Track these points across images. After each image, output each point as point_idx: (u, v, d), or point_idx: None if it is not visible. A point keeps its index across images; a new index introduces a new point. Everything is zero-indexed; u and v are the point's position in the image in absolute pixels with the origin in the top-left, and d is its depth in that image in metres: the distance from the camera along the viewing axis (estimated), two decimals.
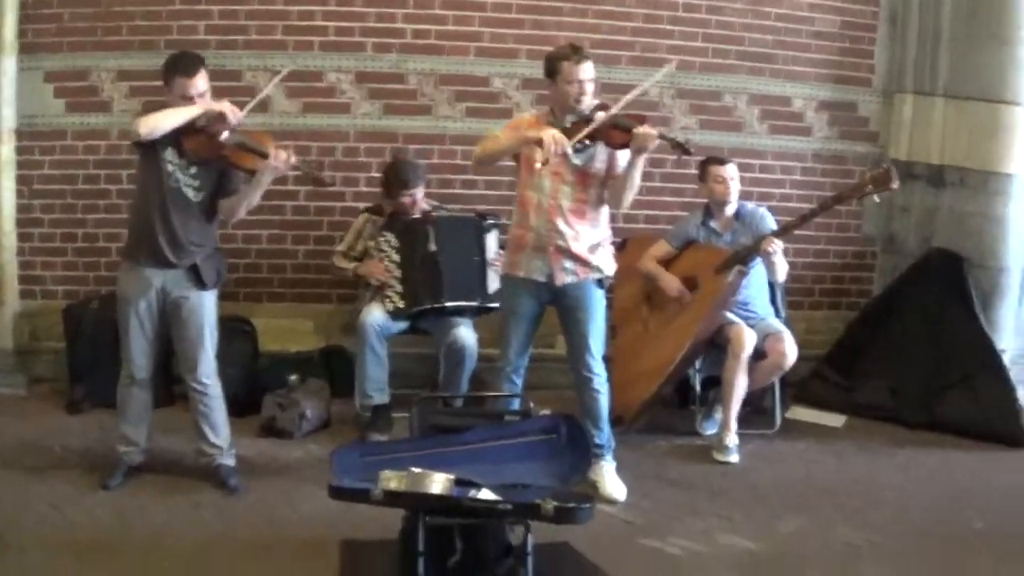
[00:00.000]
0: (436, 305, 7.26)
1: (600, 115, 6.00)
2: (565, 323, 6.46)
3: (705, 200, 7.47)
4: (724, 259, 7.13)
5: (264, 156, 6.05)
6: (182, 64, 6.03)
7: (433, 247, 7.27)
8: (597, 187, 6.24)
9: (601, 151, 6.19)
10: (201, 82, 5.99)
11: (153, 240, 6.05)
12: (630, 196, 6.21)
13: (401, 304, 7.24)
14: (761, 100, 8.53)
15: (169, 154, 6.00)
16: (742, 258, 7.08)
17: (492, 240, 7.39)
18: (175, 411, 6.98)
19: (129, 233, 6.30)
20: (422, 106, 8.16)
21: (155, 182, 6.03)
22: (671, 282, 7.29)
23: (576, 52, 6.10)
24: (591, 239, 6.28)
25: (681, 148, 6.06)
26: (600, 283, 6.39)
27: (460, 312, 7.34)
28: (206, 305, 6.27)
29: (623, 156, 6.16)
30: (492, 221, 7.46)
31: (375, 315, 7.18)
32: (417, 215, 7.41)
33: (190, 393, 6.30)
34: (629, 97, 6.07)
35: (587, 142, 6.07)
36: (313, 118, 8.02)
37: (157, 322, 6.21)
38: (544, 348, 6.75)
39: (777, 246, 6.95)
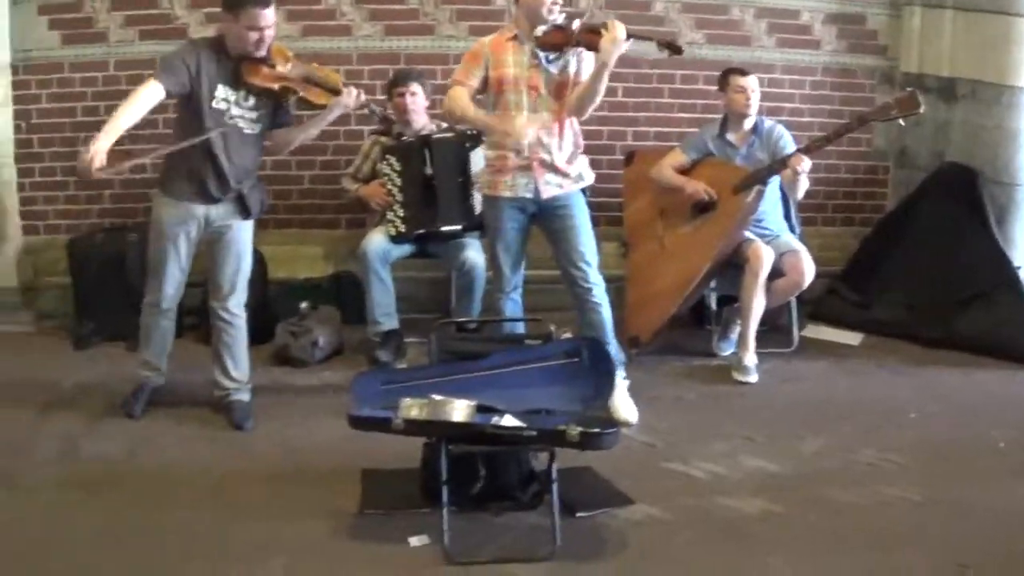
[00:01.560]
0: (431, 230, 7.21)
1: (577, 23, 5.92)
2: (554, 237, 6.37)
3: (721, 115, 7.37)
4: (743, 178, 7.02)
5: (336, 92, 5.99)
6: None
7: (429, 170, 7.19)
8: (569, 95, 6.13)
9: (573, 58, 6.09)
10: (271, 14, 5.74)
11: (200, 180, 5.90)
12: (593, 103, 6.08)
13: (403, 228, 7.18)
14: (769, 13, 8.38)
15: (221, 91, 5.79)
16: (762, 177, 6.97)
17: (477, 157, 7.19)
18: (184, 343, 6.94)
19: (169, 169, 6.01)
20: (424, 26, 8.04)
21: (202, 124, 5.79)
22: (697, 186, 7.18)
23: None
24: (569, 148, 6.22)
25: (669, 46, 5.99)
26: (584, 192, 6.35)
27: (463, 234, 7.28)
28: (247, 234, 6.18)
29: (589, 62, 6.07)
30: (474, 136, 7.21)
31: (376, 241, 7.13)
32: (416, 122, 7.37)
33: (216, 323, 6.21)
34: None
35: (564, 50, 6.00)
36: (314, 41, 7.88)
37: (193, 253, 6.10)
38: (552, 270, 6.65)
39: (807, 164, 6.83)
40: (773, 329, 7.55)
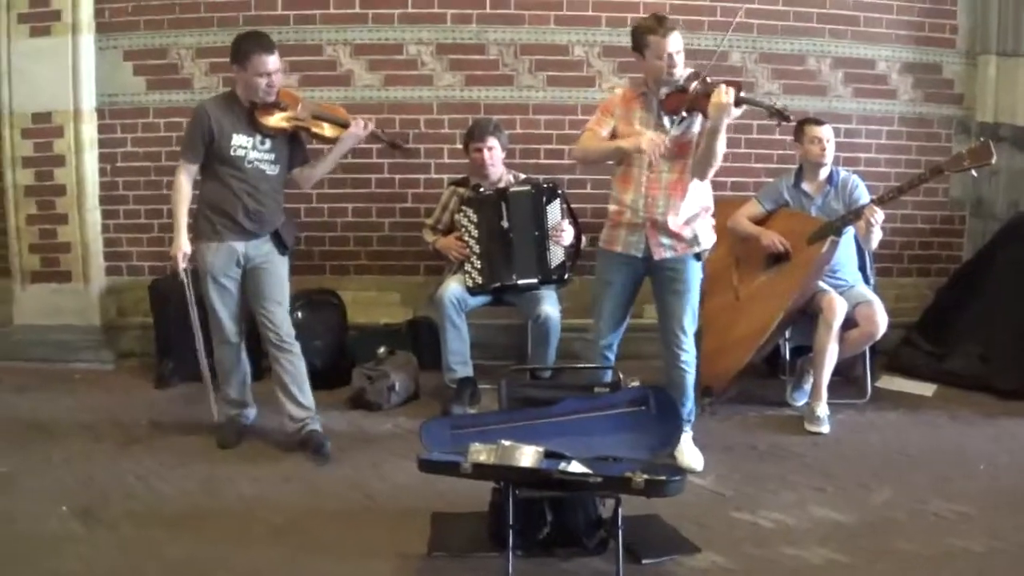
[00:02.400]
0: (507, 283, 7.27)
1: (695, 86, 5.92)
2: (659, 295, 6.39)
3: (796, 165, 7.38)
4: (817, 229, 7.02)
5: (344, 125, 6.38)
6: (259, 40, 6.12)
7: (506, 223, 7.27)
8: (693, 156, 6.11)
9: (697, 120, 6.08)
10: (276, 60, 6.11)
11: (233, 221, 6.22)
12: (712, 167, 6.08)
13: (480, 279, 7.25)
14: (845, 63, 8.38)
15: (237, 139, 6.14)
16: (836, 228, 6.96)
17: (554, 210, 7.32)
18: (259, 385, 7.00)
19: (204, 218, 6.31)
20: (504, 76, 8.11)
21: (227, 171, 6.18)
22: (772, 237, 7.19)
23: (662, 24, 5.96)
24: (688, 211, 6.21)
25: (779, 115, 5.98)
26: (698, 256, 6.32)
27: (539, 286, 7.31)
28: (285, 268, 6.45)
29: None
30: (550, 189, 7.34)
31: (452, 289, 7.18)
32: (493, 175, 7.40)
33: (275, 355, 6.39)
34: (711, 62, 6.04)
35: (684, 114, 6.00)
36: (395, 91, 8.01)
37: (240, 286, 6.36)
38: (633, 318, 6.68)
39: (880, 215, 6.83)
40: (847, 380, 7.51)
